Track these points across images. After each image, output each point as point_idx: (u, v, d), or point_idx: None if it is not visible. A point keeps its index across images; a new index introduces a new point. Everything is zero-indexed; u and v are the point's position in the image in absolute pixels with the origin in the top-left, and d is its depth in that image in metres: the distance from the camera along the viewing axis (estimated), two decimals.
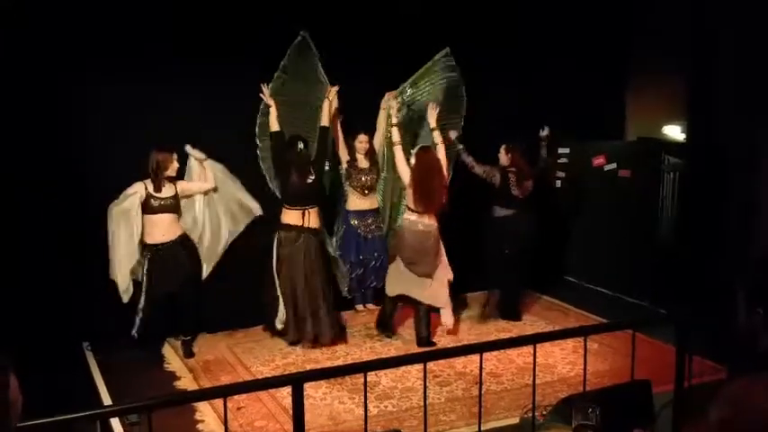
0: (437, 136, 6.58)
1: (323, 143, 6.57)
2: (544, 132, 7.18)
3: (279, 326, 6.42)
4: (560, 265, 8.43)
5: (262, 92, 6.41)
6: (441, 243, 6.45)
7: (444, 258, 6.49)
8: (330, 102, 6.53)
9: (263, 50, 6.54)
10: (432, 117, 6.63)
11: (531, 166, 7.05)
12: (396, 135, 6.53)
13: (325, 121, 6.54)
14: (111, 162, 6.18)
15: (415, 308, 6.54)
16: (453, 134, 7.06)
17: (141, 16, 6.22)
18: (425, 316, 6.47)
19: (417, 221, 6.32)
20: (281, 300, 6.34)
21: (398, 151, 6.46)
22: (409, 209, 6.40)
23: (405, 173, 6.39)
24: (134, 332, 6.06)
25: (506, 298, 7.20)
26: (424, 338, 6.44)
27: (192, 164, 6.37)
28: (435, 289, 6.39)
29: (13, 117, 5.90)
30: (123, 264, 5.98)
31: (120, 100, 6.25)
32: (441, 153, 6.48)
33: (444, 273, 6.44)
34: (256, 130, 6.67)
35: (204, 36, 6.40)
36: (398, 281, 6.49)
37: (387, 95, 7.00)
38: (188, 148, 6.30)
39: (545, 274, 7.85)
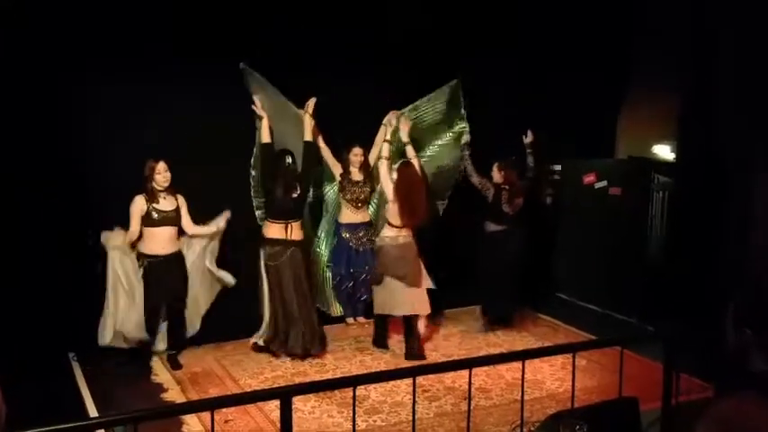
0: (410, 150, 6.68)
1: (308, 158, 6.55)
2: (528, 139, 7.24)
3: (260, 342, 6.50)
4: (550, 281, 8.43)
5: (254, 103, 6.41)
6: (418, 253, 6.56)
7: (422, 267, 6.58)
8: (309, 115, 6.49)
9: (264, 51, 6.59)
10: (404, 132, 6.70)
11: (521, 181, 7.13)
12: (386, 151, 6.57)
13: (307, 136, 6.51)
14: (110, 168, 6.20)
15: (403, 321, 6.56)
16: (466, 138, 7.18)
17: (141, 17, 6.21)
18: (414, 328, 6.50)
19: (398, 236, 6.42)
20: (266, 316, 6.39)
21: (384, 166, 6.49)
22: (390, 224, 6.45)
23: (388, 188, 6.43)
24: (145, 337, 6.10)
25: (498, 307, 7.29)
26: (414, 351, 6.45)
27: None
28: (418, 297, 6.47)
29: (12, 117, 5.88)
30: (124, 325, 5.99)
31: (121, 100, 6.25)
32: (416, 167, 6.58)
33: (425, 282, 6.55)
34: (252, 160, 6.63)
35: (205, 37, 6.40)
36: (385, 299, 6.54)
37: (390, 114, 7.00)
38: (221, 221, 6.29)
39: (536, 290, 7.85)
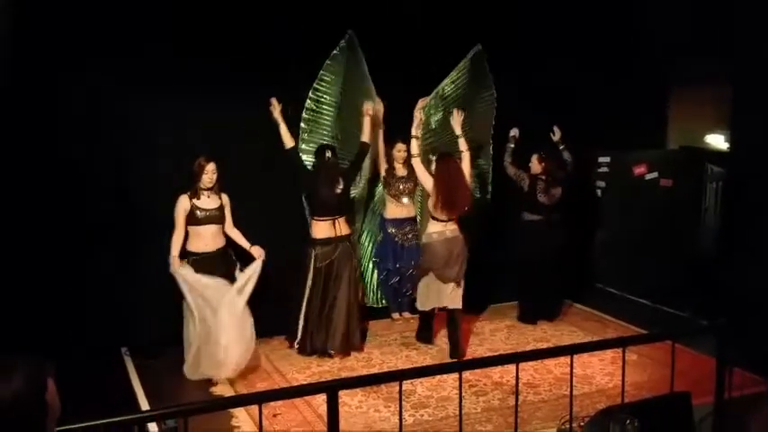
0: (462, 143, 6.53)
1: (359, 157, 6.59)
2: (556, 136, 7.21)
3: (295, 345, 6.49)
4: (590, 272, 8.33)
5: (271, 104, 6.25)
6: (466, 248, 6.45)
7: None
8: (369, 117, 6.52)
9: (291, 60, 6.63)
10: (457, 123, 6.54)
11: (560, 172, 7.15)
12: (414, 148, 6.44)
13: (365, 137, 6.52)
14: (153, 177, 6.31)
15: (447, 316, 6.52)
16: (514, 131, 7.19)
17: (168, 26, 6.27)
18: (457, 322, 6.45)
19: (444, 230, 6.33)
20: (301, 319, 6.39)
21: (417, 163, 6.43)
22: (433, 218, 6.37)
23: (427, 181, 6.38)
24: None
25: (538, 303, 7.30)
26: (456, 349, 6.41)
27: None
28: (457, 291, 6.41)
29: (52, 120, 6.01)
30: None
31: (159, 106, 6.32)
32: (466, 161, 6.48)
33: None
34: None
35: (233, 45, 6.43)
36: (429, 295, 6.49)
37: (420, 102, 6.96)
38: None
39: (575, 281, 7.79)
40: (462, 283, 6.42)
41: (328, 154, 6.29)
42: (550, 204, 7.10)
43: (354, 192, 6.96)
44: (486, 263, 7.00)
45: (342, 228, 6.37)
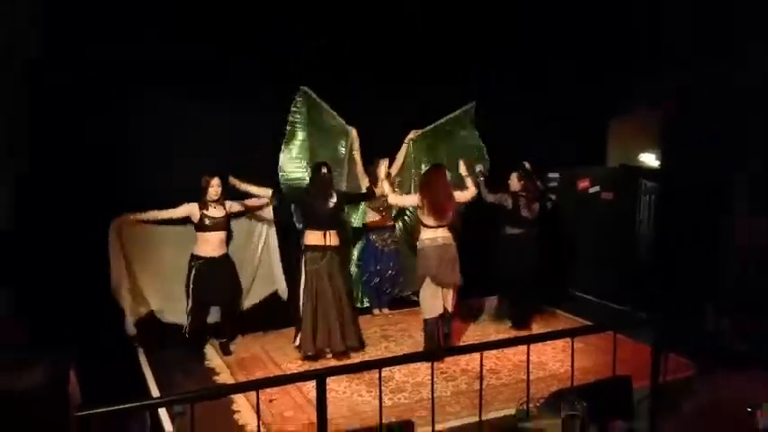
0: (468, 181, 6.31)
1: (361, 198, 6.67)
2: (478, 169, 6.92)
3: (296, 342, 6.24)
4: (560, 277, 8.17)
5: (230, 182, 6.11)
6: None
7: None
8: (353, 146, 6.56)
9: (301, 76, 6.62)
10: (462, 169, 6.32)
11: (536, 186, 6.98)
12: (386, 188, 6.28)
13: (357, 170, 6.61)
14: (165, 179, 6.18)
15: (442, 317, 6.13)
16: (479, 167, 6.93)
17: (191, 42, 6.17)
18: (450, 322, 6.21)
19: (436, 236, 5.99)
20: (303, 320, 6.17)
21: (393, 198, 6.35)
22: (424, 225, 6.03)
23: (408, 199, 6.33)
24: (185, 331, 6.08)
25: (518, 308, 7.01)
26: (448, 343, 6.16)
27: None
28: (452, 295, 6.12)
29: (86, 128, 5.91)
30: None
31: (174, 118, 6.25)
32: (470, 192, 6.27)
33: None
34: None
35: (249, 61, 6.39)
36: (433, 302, 6.05)
37: (412, 133, 7.04)
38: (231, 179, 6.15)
39: (554, 288, 7.67)
40: (454, 288, 6.11)
41: (324, 170, 6.11)
42: (532, 218, 6.83)
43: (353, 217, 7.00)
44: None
45: (332, 239, 6.12)
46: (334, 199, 6.14)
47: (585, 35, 7.66)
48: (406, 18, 7.00)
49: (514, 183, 6.86)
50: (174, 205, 5.97)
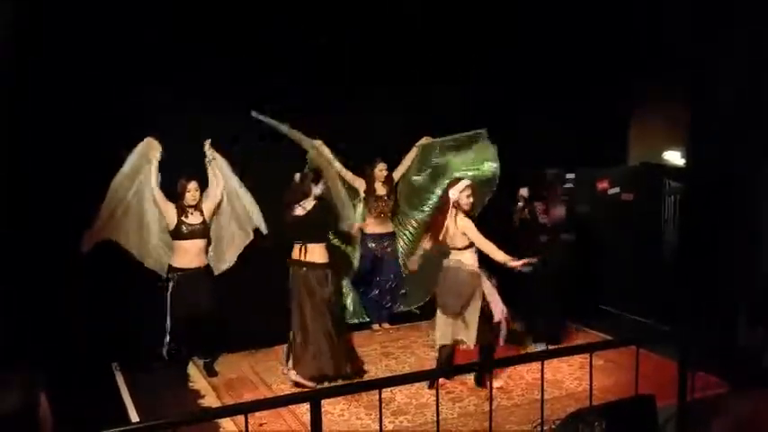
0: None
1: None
2: (522, 193, 6.96)
3: (292, 376, 6.03)
4: (585, 289, 7.73)
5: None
6: (482, 280, 5.76)
7: (490, 297, 5.79)
8: (324, 157, 6.54)
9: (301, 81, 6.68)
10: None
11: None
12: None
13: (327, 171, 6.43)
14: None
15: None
16: (524, 191, 6.99)
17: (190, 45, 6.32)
18: (484, 356, 5.88)
19: (452, 258, 5.80)
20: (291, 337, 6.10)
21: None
22: (453, 248, 5.82)
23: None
24: (164, 352, 6.07)
25: (544, 323, 6.88)
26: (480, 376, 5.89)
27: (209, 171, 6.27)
28: (470, 326, 5.76)
29: (81, 141, 5.98)
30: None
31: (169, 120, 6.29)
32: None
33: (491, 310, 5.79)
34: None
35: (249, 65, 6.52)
36: (444, 329, 5.84)
37: (423, 139, 7.15)
38: (207, 146, 6.18)
39: (573, 301, 7.33)
40: (473, 318, 5.72)
41: (296, 177, 6.09)
42: (551, 225, 6.80)
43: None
44: None
45: (307, 254, 6.00)
46: (309, 207, 6.00)
47: (603, 30, 7.73)
48: (407, 18, 7.10)
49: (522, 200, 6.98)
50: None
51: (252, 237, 6.42)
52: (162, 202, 6.03)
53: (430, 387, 5.70)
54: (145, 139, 5.96)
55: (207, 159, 6.19)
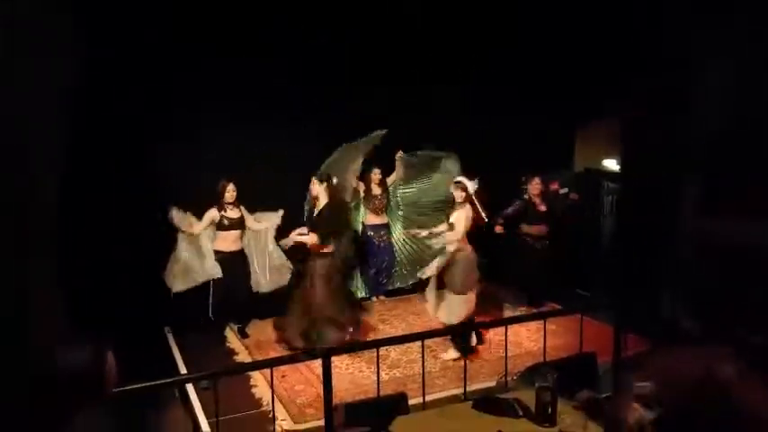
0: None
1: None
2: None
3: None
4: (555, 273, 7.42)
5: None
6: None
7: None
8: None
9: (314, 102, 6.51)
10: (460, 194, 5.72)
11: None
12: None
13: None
14: (189, 175, 6.14)
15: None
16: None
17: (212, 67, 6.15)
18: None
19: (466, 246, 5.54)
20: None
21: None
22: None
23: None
24: (210, 315, 6.07)
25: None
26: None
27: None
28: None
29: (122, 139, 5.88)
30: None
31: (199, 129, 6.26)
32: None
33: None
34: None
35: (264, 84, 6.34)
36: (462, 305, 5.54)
37: (399, 152, 7.03)
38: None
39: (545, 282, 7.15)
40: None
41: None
42: (546, 214, 6.93)
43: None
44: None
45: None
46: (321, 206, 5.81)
47: (555, 45, 7.27)
48: (404, 18, 6.75)
49: (536, 187, 6.88)
50: (200, 216, 6.00)
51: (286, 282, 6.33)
52: (207, 220, 5.99)
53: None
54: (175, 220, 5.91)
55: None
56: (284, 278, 6.35)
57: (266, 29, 6.31)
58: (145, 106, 5.93)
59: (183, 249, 5.99)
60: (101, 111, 5.58)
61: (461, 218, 5.46)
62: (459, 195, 5.52)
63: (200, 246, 6.05)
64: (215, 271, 5.98)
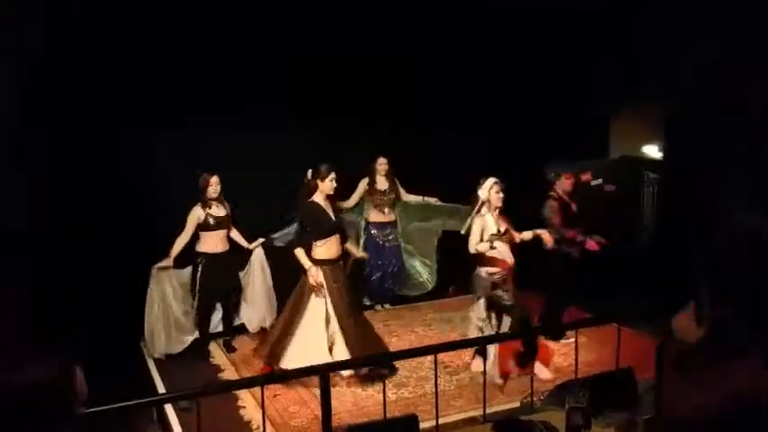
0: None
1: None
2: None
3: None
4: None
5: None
6: None
7: None
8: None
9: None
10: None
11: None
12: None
13: None
14: (167, 178, 6.29)
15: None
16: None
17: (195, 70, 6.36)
18: None
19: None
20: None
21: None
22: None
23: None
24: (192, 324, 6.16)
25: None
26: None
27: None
28: None
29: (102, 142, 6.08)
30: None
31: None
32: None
33: None
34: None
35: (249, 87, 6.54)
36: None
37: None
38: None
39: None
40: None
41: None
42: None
43: None
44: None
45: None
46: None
47: (586, 27, 7.53)
48: (404, 26, 7.00)
49: (566, 183, 6.46)
50: (183, 223, 6.03)
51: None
52: (192, 223, 6.01)
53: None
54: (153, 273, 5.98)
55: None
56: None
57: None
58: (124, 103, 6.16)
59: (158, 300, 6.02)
60: (77, 107, 5.79)
61: (474, 227, 5.40)
62: (496, 198, 5.40)
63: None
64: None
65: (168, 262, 5.96)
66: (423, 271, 7.34)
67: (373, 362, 5.27)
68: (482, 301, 5.45)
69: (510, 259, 5.47)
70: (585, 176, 7.96)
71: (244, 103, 6.52)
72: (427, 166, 7.33)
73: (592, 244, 6.33)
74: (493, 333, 5.35)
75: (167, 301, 6.02)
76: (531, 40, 7.49)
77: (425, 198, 7.27)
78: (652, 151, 7.92)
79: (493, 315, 5.47)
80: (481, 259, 5.41)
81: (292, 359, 5.29)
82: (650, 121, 7.67)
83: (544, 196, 6.38)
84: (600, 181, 7.81)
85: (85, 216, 5.86)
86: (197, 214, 6.00)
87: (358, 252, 6.31)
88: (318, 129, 6.80)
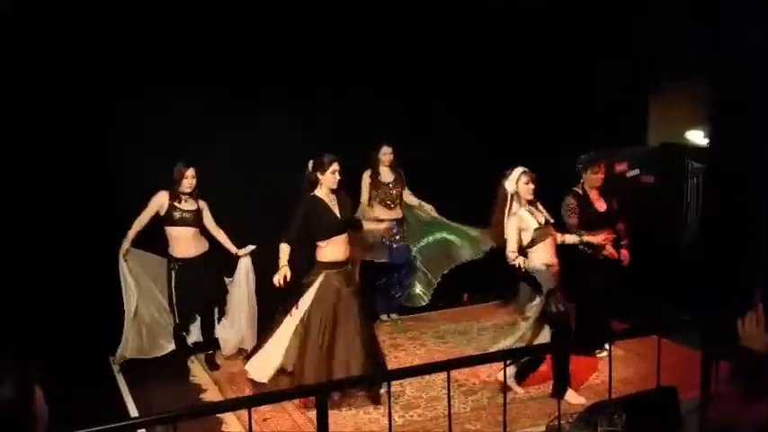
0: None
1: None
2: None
3: None
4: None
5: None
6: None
7: None
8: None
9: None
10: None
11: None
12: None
13: None
14: (139, 180, 6.26)
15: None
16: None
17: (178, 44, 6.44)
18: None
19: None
20: None
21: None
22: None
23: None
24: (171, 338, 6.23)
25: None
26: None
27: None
28: None
29: (55, 134, 6.13)
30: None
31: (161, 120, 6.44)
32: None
33: None
34: None
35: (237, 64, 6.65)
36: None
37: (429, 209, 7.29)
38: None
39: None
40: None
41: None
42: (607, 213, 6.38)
43: None
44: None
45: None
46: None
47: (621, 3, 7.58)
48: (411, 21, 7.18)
49: (598, 176, 6.22)
50: (145, 204, 6.07)
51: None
52: (155, 203, 6.07)
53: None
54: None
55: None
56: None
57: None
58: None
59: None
60: (42, 101, 5.98)
61: (510, 222, 5.25)
62: (525, 191, 5.24)
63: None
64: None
65: (126, 243, 6.05)
66: (420, 283, 7.32)
67: (374, 381, 5.27)
68: (540, 300, 5.19)
69: (555, 257, 5.32)
70: (621, 167, 7.95)
71: (244, 103, 6.66)
72: (427, 168, 7.47)
73: (625, 255, 6.23)
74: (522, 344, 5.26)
75: (143, 287, 6.14)
76: (551, 20, 7.58)
77: (421, 203, 7.33)
78: (697, 137, 7.89)
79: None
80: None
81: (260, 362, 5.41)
82: (694, 103, 7.65)
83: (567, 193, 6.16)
84: (637, 171, 7.79)
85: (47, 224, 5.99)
86: (160, 200, 6.04)
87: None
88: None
